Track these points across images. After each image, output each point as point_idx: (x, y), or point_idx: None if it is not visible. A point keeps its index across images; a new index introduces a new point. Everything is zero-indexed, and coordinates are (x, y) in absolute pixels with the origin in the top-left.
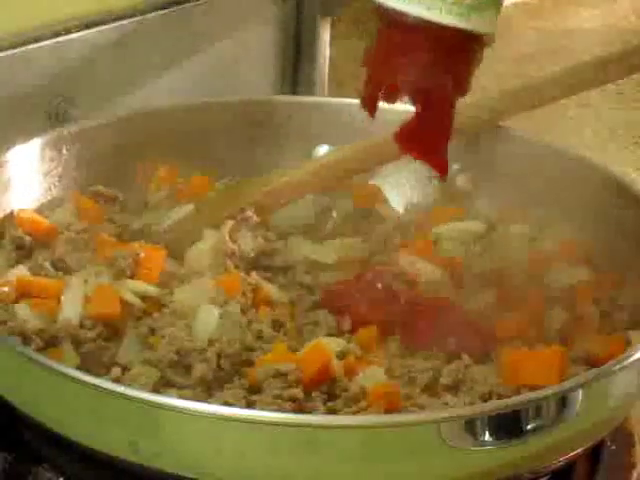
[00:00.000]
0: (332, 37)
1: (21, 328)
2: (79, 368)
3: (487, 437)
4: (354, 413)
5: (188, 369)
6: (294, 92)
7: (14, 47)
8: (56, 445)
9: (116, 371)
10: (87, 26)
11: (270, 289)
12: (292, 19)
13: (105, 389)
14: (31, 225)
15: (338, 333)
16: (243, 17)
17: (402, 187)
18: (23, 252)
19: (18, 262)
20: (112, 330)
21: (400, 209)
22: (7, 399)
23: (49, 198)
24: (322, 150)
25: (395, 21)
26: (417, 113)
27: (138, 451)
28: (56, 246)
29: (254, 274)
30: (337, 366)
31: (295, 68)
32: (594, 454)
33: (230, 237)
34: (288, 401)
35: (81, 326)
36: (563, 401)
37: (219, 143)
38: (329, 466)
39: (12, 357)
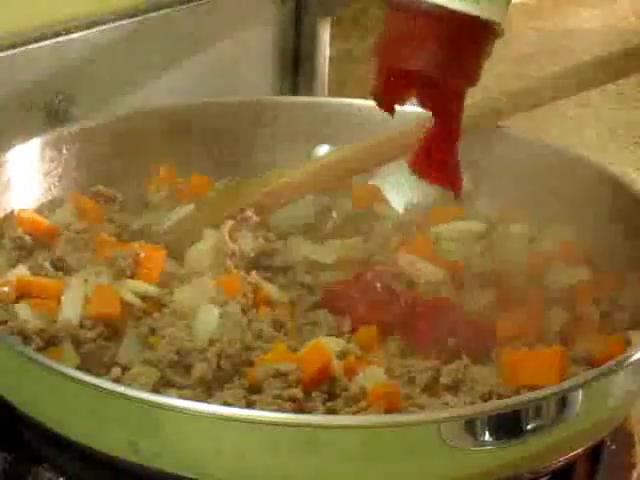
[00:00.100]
0: (332, 37)
1: (21, 328)
2: (79, 368)
3: (487, 437)
4: (354, 413)
5: (188, 369)
6: (294, 92)
7: (15, 47)
8: (56, 445)
9: (116, 371)
10: (87, 26)
11: (270, 289)
12: (292, 19)
13: (105, 389)
14: (31, 225)
15: (338, 333)
16: (243, 17)
17: (402, 187)
18: (23, 252)
19: (18, 262)
20: (112, 330)
21: (400, 209)
22: (7, 399)
23: (49, 198)
24: (322, 150)
25: (405, 6)
26: (427, 130)
27: (138, 451)
28: (56, 246)
29: (254, 274)
30: (337, 366)
31: (295, 68)
32: (594, 454)
33: (230, 237)
34: (288, 401)
35: (81, 326)
36: (563, 401)
37: (219, 143)
38: (329, 466)
39: (12, 357)
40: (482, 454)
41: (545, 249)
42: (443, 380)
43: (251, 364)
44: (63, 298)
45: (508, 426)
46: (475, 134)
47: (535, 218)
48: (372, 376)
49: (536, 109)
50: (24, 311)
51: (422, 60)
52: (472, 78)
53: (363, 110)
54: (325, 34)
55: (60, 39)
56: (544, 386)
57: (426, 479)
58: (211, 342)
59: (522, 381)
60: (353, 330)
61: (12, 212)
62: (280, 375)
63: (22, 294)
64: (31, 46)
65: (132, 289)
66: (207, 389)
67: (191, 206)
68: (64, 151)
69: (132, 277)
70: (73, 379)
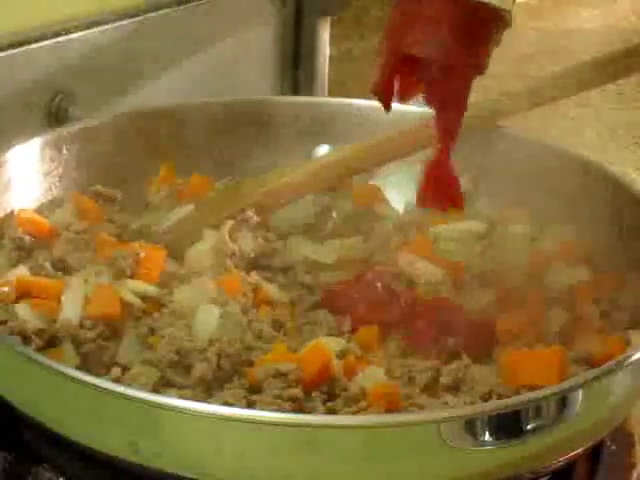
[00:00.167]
0: (332, 37)
1: (21, 328)
2: (79, 368)
3: (487, 437)
4: (354, 413)
5: (188, 369)
6: (294, 92)
7: (15, 46)
8: (56, 445)
9: (116, 371)
10: (87, 26)
11: (270, 289)
12: (292, 19)
13: (105, 389)
14: (31, 225)
15: (338, 333)
16: (243, 17)
17: (402, 187)
18: (23, 252)
19: (18, 262)
20: (112, 330)
21: (400, 209)
22: (7, 399)
23: (49, 198)
24: (322, 150)
25: None
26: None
27: (138, 451)
28: (56, 246)
29: (254, 274)
30: (337, 366)
31: (295, 68)
32: (594, 454)
33: (230, 237)
34: (288, 401)
35: (81, 326)
36: (563, 401)
37: (219, 143)
38: (329, 466)
39: (12, 357)
40: (482, 454)
41: (545, 249)
42: (443, 380)
43: (251, 364)
44: (63, 298)
45: (508, 426)
46: (475, 134)
47: (535, 218)
48: (372, 376)
49: (536, 109)
50: (24, 311)
51: (432, 46)
52: (481, 66)
53: (363, 110)
54: (325, 34)
55: (60, 39)
56: (544, 386)
57: (426, 479)
58: (211, 342)
59: (522, 381)
60: (353, 330)
61: (12, 212)
62: (280, 375)
63: (22, 294)
64: (31, 46)
65: (132, 289)
66: (207, 389)
67: (191, 206)
68: (64, 151)
69: (132, 277)
70: (73, 379)
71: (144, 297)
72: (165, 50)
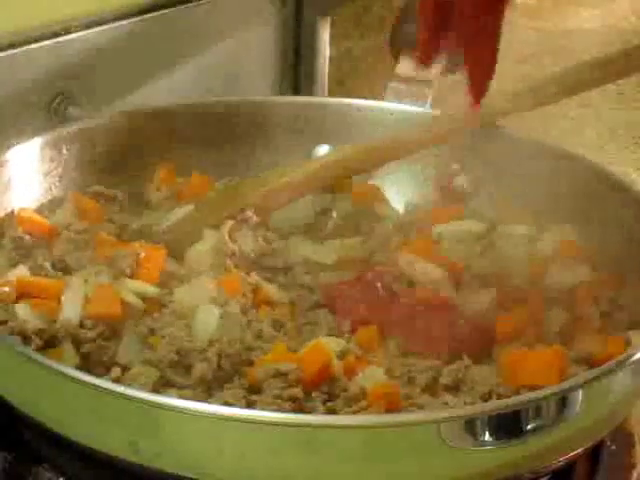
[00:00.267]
0: (332, 37)
1: (21, 328)
2: (79, 368)
3: (487, 437)
4: (354, 413)
5: (188, 369)
6: (294, 92)
7: (14, 46)
8: (56, 445)
9: (116, 371)
10: (87, 26)
11: (270, 289)
12: (292, 19)
13: (105, 389)
14: (31, 225)
15: (338, 333)
16: (243, 17)
17: (402, 187)
18: (23, 252)
19: (18, 262)
20: (112, 330)
21: (400, 209)
22: (7, 399)
23: (49, 198)
24: (322, 150)
25: None
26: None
27: (138, 451)
28: (56, 246)
29: (254, 274)
30: (337, 366)
31: (295, 68)
32: (594, 454)
33: (230, 237)
34: (288, 401)
35: (81, 326)
36: (563, 401)
37: (219, 143)
38: (329, 466)
39: (12, 357)
40: (482, 454)
41: (545, 249)
42: (443, 380)
43: (251, 364)
44: (63, 298)
45: (508, 426)
46: (475, 134)
47: (535, 218)
48: (372, 376)
49: (536, 109)
50: (24, 311)
51: None
52: None
53: (363, 110)
54: (325, 34)
55: (60, 39)
56: (544, 386)
57: (426, 479)
58: (211, 342)
59: (522, 381)
60: (353, 330)
61: (12, 212)
62: (280, 375)
63: (22, 294)
64: (31, 46)
65: (132, 289)
66: (207, 389)
67: (191, 206)
68: (64, 151)
69: (132, 277)
70: (73, 379)
71: (144, 297)
72: (165, 50)
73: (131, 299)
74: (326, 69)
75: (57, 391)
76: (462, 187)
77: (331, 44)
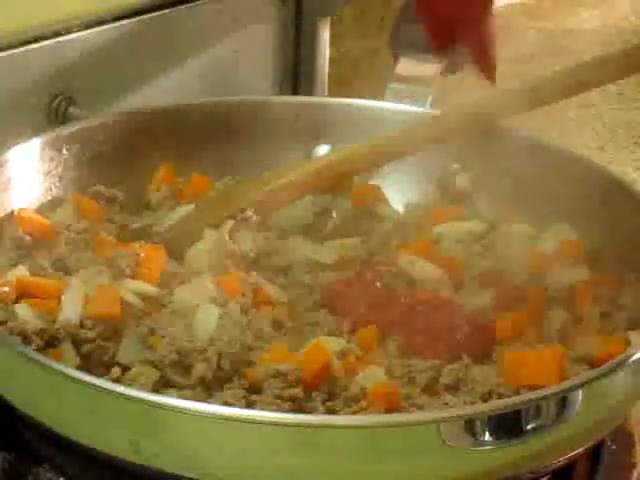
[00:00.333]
0: (332, 37)
1: (21, 328)
2: (79, 368)
3: (487, 437)
4: (354, 413)
5: (188, 369)
6: (294, 92)
7: (14, 46)
8: (56, 445)
9: (116, 371)
10: (87, 26)
11: (270, 289)
12: (292, 19)
13: (105, 389)
14: (31, 225)
15: (338, 333)
16: (243, 17)
17: (402, 187)
18: (23, 252)
19: (18, 262)
20: (112, 330)
21: (400, 209)
22: (7, 399)
23: (49, 198)
24: (322, 150)
25: None
26: None
27: (138, 451)
28: (56, 246)
29: (254, 274)
30: (337, 366)
31: (295, 68)
32: (594, 454)
33: (230, 237)
34: (288, 401)
35: (81, 326)
36: (563, 401)
37: (219, 143)
38: (329, 466)
39: (12, 357)
40: (482, 454)
41: (545, 249)
42: (443, 380)
43: (251, 364)
44: (63, 298)
45: (508, 426)
46: (475, 134)
47: (535, 218)
48: (372, 376)
49: (536, 109)
50: (24, 311)
51: None
52: None
53: (363, 110)
54: (325, 34)
55: (60, 39)
56: (544, 386)
57: (426, 479)
58: (211, 342)
59: (522, 381)
60: (353, 330)
61: (12, 212)
62: (280, 375)
63: (22, 294)
64: (31, 46)
65: (132, 289)
66: (207, 389)
67: (191, 206)
68: (64, 151)
69: (132, 277)
70: (73, 379)
71: (144, 297)
72: (165, 50)
73: (131, 299)
74: (326, 69)
75: (57, 391)
76: (462, 187)
77: (331, 44)
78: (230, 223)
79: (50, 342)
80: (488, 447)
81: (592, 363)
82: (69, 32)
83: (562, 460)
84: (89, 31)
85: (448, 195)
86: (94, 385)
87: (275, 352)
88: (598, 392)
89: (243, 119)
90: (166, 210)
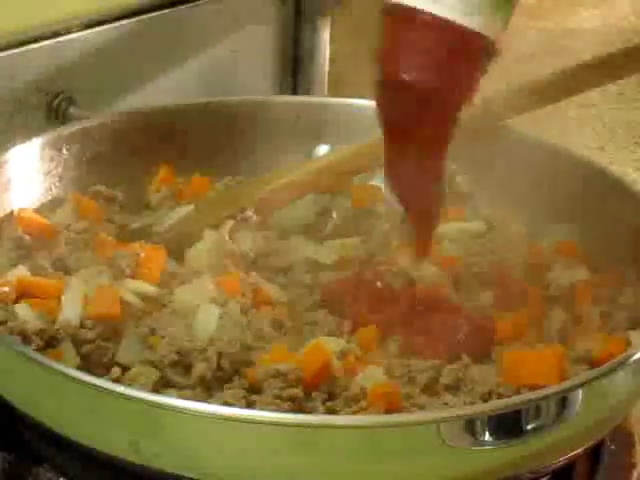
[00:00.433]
0: (332, 37)
1: (21, 328)
2: (79, 368)
3: (487, 437)
4: (354, 413)
5: (188, 369)
6: (294, 92)
7: (14, 46)
8: (56, 445)
9: (116, 371)
10: (87, 26)
11: (270, 289)
12: (292, 19)
13: (105, 389)
14: (31, 225)
15: (338, 333)
16: (243, 17)
17: None
18: (23, 252)
19: (18, 262)
20: (112, 330)
21: (400, 209)
22: (7, 399)
23: (49, 198)
24: (322, 150)
25: (401, 16)
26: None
27: (139, 451)
28: (56, 246)
29: (254, 274)
30: (337, 366)
31: (295, 68)
32: (594, 454)
33: (230, 237)
34: (288, 401)
35: (81, 326)
36: (563, 401)
37: (219, 143)
38: (329, 466)
39: (12, 357)
40: (482, 454)
41: (545, 249)
42: (443, 380)
43: (251, 364)
44: (63, 298)
45: (508, 426)
46: (475, 134)
47: (535, 218)
48: (372, 376)
49: (536, 109)
50: (24, 311)
51: (416, 70)
52: (468, 94)
53: (363, 110)
54: (325, 34)
55: (60, 39)
56: (544, 386)
57: (426, 479)
58: (211, 342)
59: (522, 381)
60: (353, 330)
61: (12, 212)
62: (280, 375)
63: (22, 294)
64: (30, 46)
65: (132, 289)
66: (207, 389)
67: (191, 206)
68: (64, 151)
69: (132, 277)
70: (73, 379)
71: (144, 297)
72: (165, 50)
73: (131, 299)
74: (326, 69)
75: (57, 391)
76: (462, 187)
77: (331, 44)
78: (230, 223)
79: (50, 342)
80: (488, 447)
81: (592, 363)
82: (69, 32)
83: (562, 460)
84: (89, 31)
85: (448, 195)
86: (94, 385)
87: (275, 352)
88: (598, 392)
89: (243, 119)
90: (166, 210)
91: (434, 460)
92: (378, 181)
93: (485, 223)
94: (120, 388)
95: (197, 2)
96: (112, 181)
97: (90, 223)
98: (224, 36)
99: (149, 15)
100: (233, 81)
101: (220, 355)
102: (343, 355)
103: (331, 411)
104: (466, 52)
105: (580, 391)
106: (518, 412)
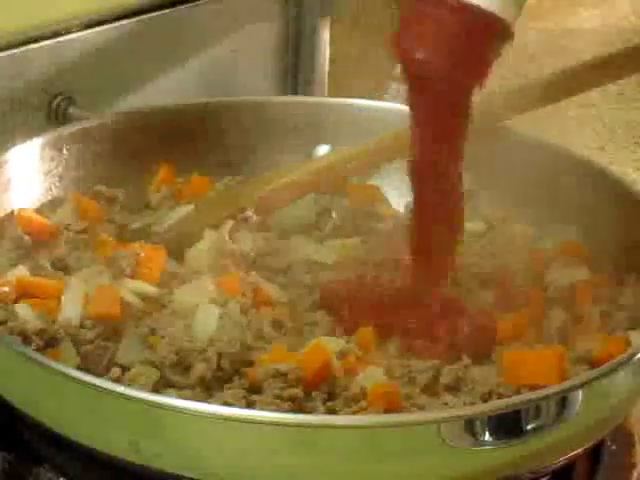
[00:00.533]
0: (332, 37)
1: (21, 328)
2: (79, 368)
3: (487, 437)
4: (354, 413)
5: (188, 369)
6: (294, 92)
7: (14, 46)
8: (56, 445)
9: (116, 371)
10: (87, 26)
11: (270, 289)
12: (292, 19)
13: (105, 389)
14: (31, 225)
15: (338, 333)
16: (243, 17)
17: (402, 187)
18: (23, 252)
19: (18, 262)
20: (112, 330)
21: (400, 209)
22: (7, 399)
23: (49, 198)
24: (322, 150)
25: None
26: None
27: (138, 451)
28: (56, 246)
29: (254, 274)
30: (337, 366)
31: (295, 68)
32: (594, 454)
33: (230, 237)
34: (288, 401)
35: (81, 326)
36: (563, 401)
37: (219, 143)
38: (329, 466)
39: (12, 357)
40: (482, 454)
41: (545, 249)
42: (443, 380)
43: (251, 364)
44: (63, 298)
45: (508, 426)
46: (475, 134)
47: (535, 218)
48: (372, 376)
49: (536, 109)
50: (24, 311)
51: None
52: (481, 75)
53: (363, 110)
54: (325, 34)
55: (60, 39)
56: (544, 386)
57: (426, 479)
58: (211, 342)
59: (522, 381)
60: (353, 330)
61: (12, 212)
62: (280, 375)
63: (22, 294)
64: (30, 46)
65: (132, 289)
66: (207, 389)
67: (191, 206)
68: (64, 151)
69: (132, 277)
70: (73, 379)
71: (144, 297)
72: (165, 50)
73: (131, 299)
74: (326, 69)
75: (57, 391)
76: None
77: (331, 44)
78: (230, 223)
79: (50, 342)
80: (488, 447)
81: (592, 363)
82: (69, 32)
83: (562, 460)
84: (89, 31)
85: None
86: (94, 385)
87: (275, 352)
88: (598, 392)
89: (243, 119)
90: (166, 210)
91: (434, 460)
92: (378, 181)
93: (485, 223)
94: (120, 388)
95: (197, 2)
96: (112, 181)
97: (90, 223)
98: (224, 36)
99: (149, 15)
100: (233, 81)
101: (220, 355)
102: (343, 355)
103: (331, 411)
104: (482, 34)
105: (580, 391)
106: (518, 412)
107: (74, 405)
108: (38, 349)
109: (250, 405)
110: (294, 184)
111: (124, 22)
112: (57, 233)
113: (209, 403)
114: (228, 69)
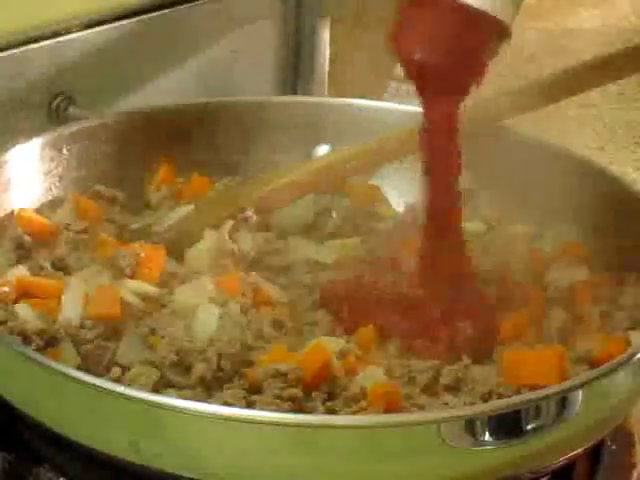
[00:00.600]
0: (332, 37)
1: (21, 328)
2: (79, 368)
3: (487, 437)
4: (354, 413)
5: (188, 369)
6: (294, 92)
7: (14, 46)
8: (56, 445)
9: (116, 371)
10: (87, 26)
11: (270, 289)
12: (292, 19)
13: (105, 389)
14: (31, 225)
15: (338, 333)
16: (243, 17)
17: (402, 187)
18: (23, 252)
19: (18, 262)
20: (112, 330)
21: (400, 209)
22: (7, 399)
23: (49, 198)
24: (322, 150)
25: None
26: None
27: (138, 451)
28: (56, 246)
29: (254, 274)
30: (337, 366)
31: (295, 68)
32: (594, 454)
33: (230, 237)
34: (288, 401)
35: (81, 326)
36: (563, 401)
37: (219, 143)
38: (329, 466)
39: (12, 357)
40: (482, 454)
41: (545, 249)
42: (443, 380)
43: (251, 364)
44: (63, 298)
45: (508, 426)
46: (475, 134)
47: (535, 218)
48: (372, 376)
49: (536, 110)
50: (24, 311)
51: (431, 51)
52: (479, 74)
53: (363, 110)
54: (325, 34)
55: (60, 39)
56: (544, 386)
57: (426, 479)
58: (211, 342)
59: (522, 381)
60: (353, 330)
61: (12, 212)
62: (280, 375)
63: (22, 294)
64: (30, 46)
65: (132, 289)
66: (207, 389)
67: (191, 206)
68: (64, 151)
69: (132, 277)
70: (73, 379)
71: (144, 297)
72: (165, 50)
73: (131, 299)
74: (326, 69)
75: (57, 391)
76: (462, 187)
77: (331, 44)
78: (230, 223)
79: (50, 342)
80: (488, 447)
81: (592, 363)
82: (69, 32)
83: (562, 460)
84: (89, 31)
85: None
86: (94, 385)
87: (275, 352)
88: (598, 392)
89: (243, 119)
90: (166, 210)
91: (434, 460)
92: (378, 181)
93: (485, 223)
94: (120, 388)
95: (197, 2)
96: (112, 181)
97: (90, 223)
98: (224, 36)
99: (149, 15)
100: (233, 81)
101: (220, 355)
102: (343, 355)
103: (331, 411)
104: (480, 34)
105: (580, 391)
106: (518, 412)
107: (74, 405)
108: (38, 349)
109: (250, 405)
110: (294, 184)
111: (124, 22)
112: (57, 233)
113: (209, 403)
114: (228, 69)
